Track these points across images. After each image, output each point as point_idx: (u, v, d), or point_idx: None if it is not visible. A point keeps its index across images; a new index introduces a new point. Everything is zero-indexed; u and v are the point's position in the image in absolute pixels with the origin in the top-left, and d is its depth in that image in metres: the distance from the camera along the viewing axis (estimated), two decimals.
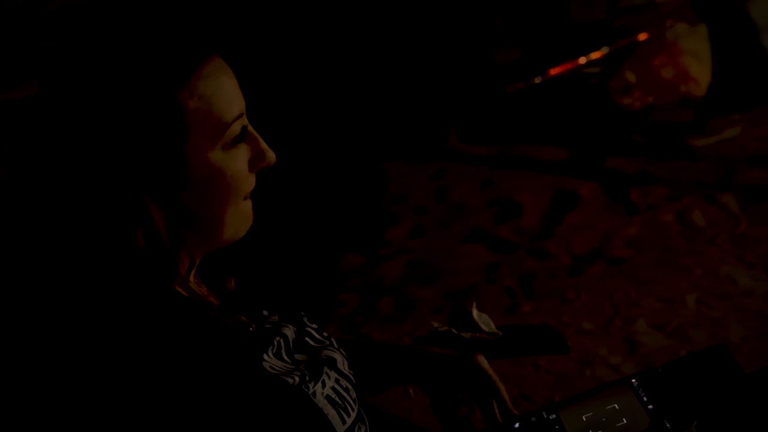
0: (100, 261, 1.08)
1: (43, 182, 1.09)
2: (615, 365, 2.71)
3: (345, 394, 1.24)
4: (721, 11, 3.70)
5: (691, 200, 3.49)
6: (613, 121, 4.15)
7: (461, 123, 4.30)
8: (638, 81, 4.24)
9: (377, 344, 1.45)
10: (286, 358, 1.23)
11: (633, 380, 1.23)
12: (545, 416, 1.23)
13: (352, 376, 1.30)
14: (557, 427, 1.20)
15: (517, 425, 1.26)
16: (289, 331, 1.29)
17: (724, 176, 3.61)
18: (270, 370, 1.18)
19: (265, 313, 1.31)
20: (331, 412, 1.19)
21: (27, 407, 1.08)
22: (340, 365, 1.29)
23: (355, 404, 1.26)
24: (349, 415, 1.22)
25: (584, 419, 1.19)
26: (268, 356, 1.20)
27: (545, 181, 3.81)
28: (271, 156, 1.17)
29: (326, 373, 1.24)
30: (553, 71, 4.43)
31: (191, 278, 1.20)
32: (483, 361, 1.38)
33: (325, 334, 1.38)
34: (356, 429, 1.25)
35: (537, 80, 4.41)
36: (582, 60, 4.43)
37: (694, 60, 4.19)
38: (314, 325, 1.37)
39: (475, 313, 1.69)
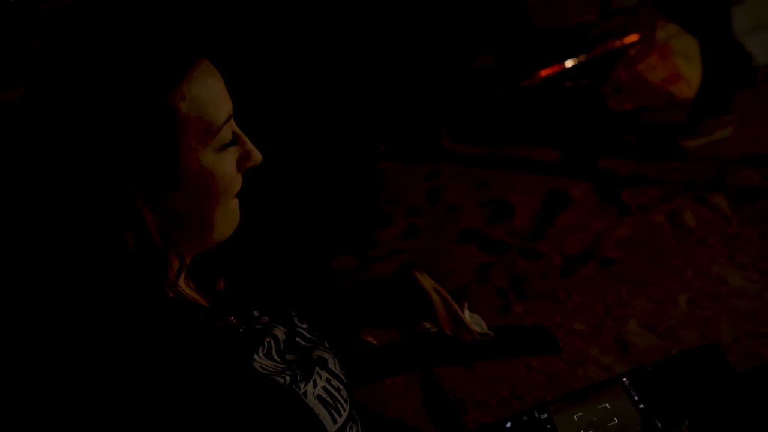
0: (88, 263, 1.08)
1: (33, 183, 1.09)
2: (607, 365, 2.71)
3: (336, 394, 1.24)
4: (704, 15, 3.71)
5: (682, 201, 3.49)
6: (605, 121, 4.16)
7: (453, 124, 4.30)
8: (630, 82, 4.25)
9: (336, 292, 1.46)
10: (276, 358, 1.23)
11: (624, 379, 1.23)
12: (537, 415, 1.23)
13: (343, 376, 1.30)
14: (549, 426, 1.21)
15: (508, 425, 1.26)
16: (280, 332, 1.29)
17: (715, 177, 3.62)
18: (261, 370, 1.18)
19: (256, 313, 1.31)
20: (322, 412, 1.19)
21: (12, 409, 1.08)
22: (331, 365, 1.29)
23: (346, 404, 1.26)
24: (340, 415, 1.22)
25: (576, 418, 1.20)
26: (259, 356, 1.20)
27: (537, 181, 3.81)
28: (258, 156, 1.18)
29: (317, 373, 1.24)
30: (545, 72, 4.44)
31: (181, 280, 1.20)
32: (419, 276, 1.37)
33: (316, 333, 1.38)
34: (348, 429, 1.25)
35: (529, 81, 4.42)
36: (574, 61, 4.43)
37: (685, 61, 4.20)
38: (305, 325, 1.37)
39: (466, 313, 1.69)
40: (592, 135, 4.03)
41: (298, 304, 1.44)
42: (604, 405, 1.19)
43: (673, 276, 3.08)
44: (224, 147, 1.14)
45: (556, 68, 4.43)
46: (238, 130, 1.17)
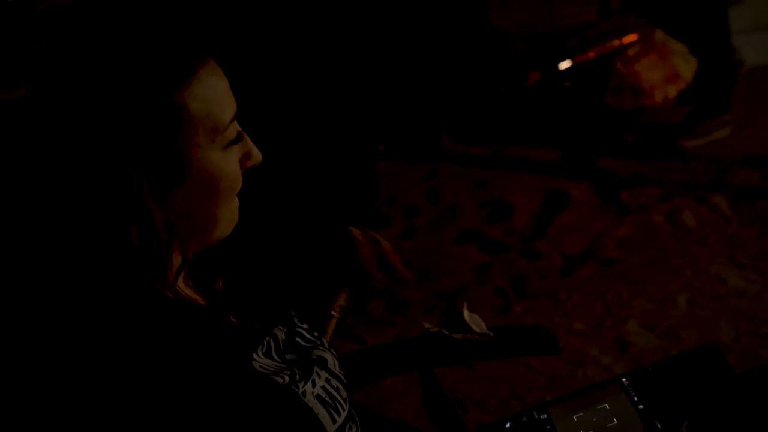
0: (92, 258, 1.08)
1: (40, 179, 1.09)
2: (606, 365, 2.72)
3: (335, 394, 1.24)
4: (700, 15, 3.72)
5: (681, 201, 3.50)
6: (604, 121, 4.16)
7: (453, 123, 4.30)
8: (629, 82, 4.25)
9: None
10: (276, 357, 1.23)
11: (623, 380, 1.23)
12: (536, 416, 1.23)
13: (342, 376, 1.30)
14: (548, 427, 1.21)
15: (508, 425, 1.26)
16: (279, 332, 1.29)
17: (715, 177, 3.62)
18: (260, 369, 1.18)
19: (256, 313, 1.31)
20: (321, 412, 1.19)
21: (10, 408, 1.08)
22: (330, 365, 1.29)
23: (345, 404, 1.26)
24: (339, 415, 1.23)
25: (575, 419, 1.20)
26: (258, 356, 1.20)
27: (537, 181, 3.81)
28: (258, 155, 1.20)
29: (316, 373, 1.24)
30: (545, 72, 4.44)
31: (180, 279, 1.20)
32: (354, 230, 1.37)
33: (315, 334, 1.38)
34: (347, 428, 1.25)
35: (529, 81, 4.42)
36: (574, 61, 4.43)
37: (684, 61, 4.20)
38: (304, 326, 1.37)
39: (466, 313, 1.70)
40: (592, 135, 4.03)
41: (297, 304, 1.44)
42: (603, 405, 1.19)
43: (672, 276, 3.08)
44: (229, 145, 1.16)
45: (555, 68, 4.43)
46: (240, 130, 1.19)
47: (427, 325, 1.71)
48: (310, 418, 1.17)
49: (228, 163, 1.15)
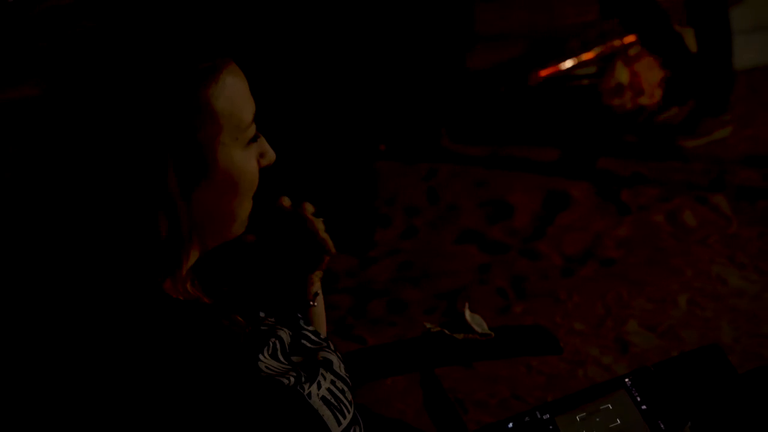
0: (111, 250, 1.10)
1: (65, 172, 1.10)
2: (607, 365, 2.71)
3: (341, 396, 1.24)
4: (704, 14, 3.71)
5: (682, 201, 3.50)
6: (605, 121, 4.16)
7: (453, 123, 4.29)
8: (629, 82, 4.24)
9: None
10: (282, 358, 1.23)
11: (626, 380, 1.23)
12: (539, 416, 1.23)
13: (348, 379, 1.30)
14: (551, 427, 1.20)
15: (510, 425, 1.26)
16: (285, 334, 1.29)
17: (715, 177, 3.62)
18: (266, 370, 1.18)
19: (262, 314, 1.32)
20: (327, 413, 1.20)
21: (17, 406, 1.08)
22: (336, 367, 1.30)
23: (351, 406, 1.26)
24: (344, 417, 1.23)
25: (578, 419, 1.20)
26: (264, 357, 1.21)
27: (537, 181, 3.81)
28: (272, 155, 1.23)
29: (322, 375, 1.24)
30: (544, 72, 4.44)
31: (188, 277, 1.21)
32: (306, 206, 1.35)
33: (321, 336, 1.38)
34: (351, 431, 1.25)
35: (529, 81, 4.42)
36: (573, 61, 4.43)
37: None
38: (311, 328, 1.38)
39: (467, 313, 1.69)
40: (592, 135, 4.03)
41: (301, 307, 1.44)
42: (606, 406, 1.19)
43: (673, 276, 3.08)
44: (249, 144, 1.19)
45: (556, 68, 4.42)
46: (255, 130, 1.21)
47: (428, 325, 1.71)
48: (315, 420, 1.18)
49: (248, 161, 1.18)
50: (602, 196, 3.62)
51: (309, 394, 1.19)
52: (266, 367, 1.19)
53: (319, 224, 1.34)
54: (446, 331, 1.69)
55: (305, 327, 1.36)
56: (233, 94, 1.15)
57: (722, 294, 2.96)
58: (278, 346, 1.25)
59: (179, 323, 1.11)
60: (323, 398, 1.21)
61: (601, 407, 1.19)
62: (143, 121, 1.08)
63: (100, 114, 1.09)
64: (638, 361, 2.73)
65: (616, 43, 4.38)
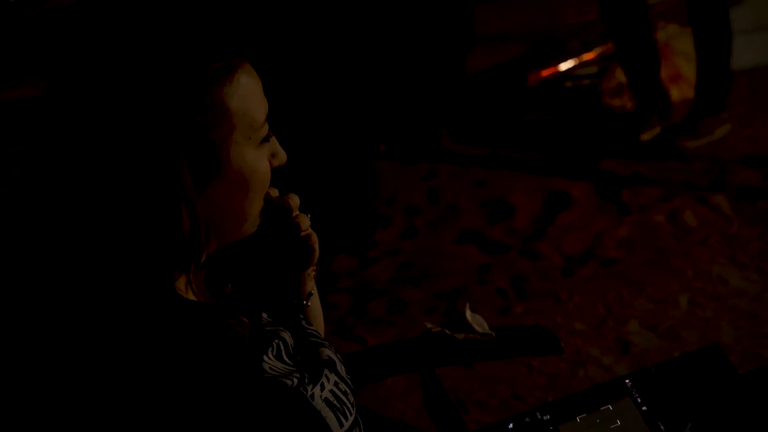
0: (130, 250, 1.10)
1: (82, 167, 1.11)
2: (607, 365, 2.71)
3: (344, 398, 1.25)
4: (705, 13, 3.71)
5: (682, 201, 3.49)
6: (605, 122, 4.15)
7: (453, 124, 4.29)
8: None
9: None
10: (286, 359, 1.24)
11: (627, 381, 1.23)
12: (539, 417, 1.23)
13: (349, 381, 1.31)
14: (551, 427, 1.20)
15: (510, 426, 1.26)
16: (287, 335, 1.29)
17: (715, 177, 3.62)
18: (270, 371, 1.18)
19: (264, 315, 1.32)
20: (329, 415, 1.20)
21: (25, 406, 1.08)
22: (338, 368, 1.30)
23: (353, 408, 1.26)
24: (346, 419, 1.23)
25: (578, 420, 1.20)
26: (269, 358, 1.21)
27: (537, 181, 3.81)
28: (283, 156, 1.24)
29: (326, 376, 1.25)
30: (545, 72, 4.44)
31: (202, 274, 1.21)
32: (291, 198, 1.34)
33: (323, 336, 1.38)
34: None
35: (529, 81, 4.42)
36: (574, 61, 4.43)
37: (686, 61, 4.19)
38: (312, 327, 1.38)
39: (468, 314, 1.70)
40: (593, 135, 4.03)
41: (296, 307, 1.44)
42: (606, 407, 1.19)
43: (673, 276, 3.08)
44: (261, 143, 1.20)
45: (556, 69, 4.42)
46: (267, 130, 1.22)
47: (429, 325, 1.71)
48: (318, 422, 1.18)
49: (260, 160, 1.20)
50: (602, 196, 3.62)
51: (312, 395, 1.19)
52: (270, 368, 1.19)
53: (304, 220, 1.33)
54: (447, 331, 1.69)
55: (308, 326, 1.37)
56: (247, 94, 1.16)
57: (723, 294, 2.96)
58: (282, 347, 1.25)
59: (187, 323, 1.12)
60: (326, 400, 1.21)
61: (602, 408, 1.19)
62: (158, 120, 1.10)
63: (114, 113, 1.10)
64: (639, 361, 2.73)
65: None
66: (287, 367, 1.22)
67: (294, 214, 1.31)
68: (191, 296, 1.16)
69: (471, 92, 4.45)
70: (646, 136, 3.83)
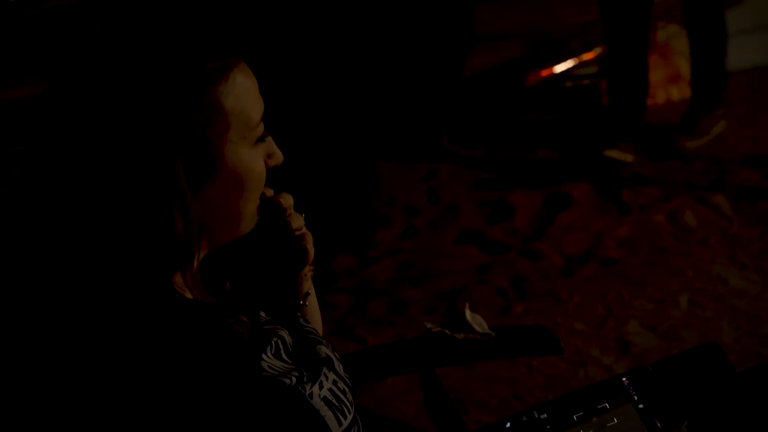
0: (126, 249, 1.11)
1: (77, 171, 1.11)
2: (608, 365, 2.72)
3: (342, 397, 1.25)
4: (700, 13, 3.71)
5: (682, 201, 3.50)
6: (606, 122, 4.15)
7: (453, 124, 4.29)
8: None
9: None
10: (285, 358, 1.24)
11: (623, 379, 1.23)
12: (536, 415, 1.23)
13: (348, 380, 1.31)
14: (548, 426, 1.20)
15: (508, 425, 1.25)
16: (285, 334, 1.29)
17: (715, 177, 3.62)
18: (268, 370, 1.19)
19: (263, 314, 1.32)
20: (328, 414, 1.20)
21: (23, 406, 1.08)
22: (336, 367, 1.30)
23: (351, 407, 1.26)
24: (345, 418, 1.23)
25: (575, 418, 1.20)
26: (267, 356, 1.21)
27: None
28: (280, 156, 1.24)
29: (324, 374, 1.25)
30: (545, 72, 4.44)
31: (198, 273, 1.21)
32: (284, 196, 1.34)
33: (321, 334, 1.39)
34: (352, 431, 1.25)
35: (529, 81, 4.42)
36: (574, 61, 4.43)
37: (686, 61, 4.19)
38: (311, 326, 1.38)
39: (468, 313, 1.70)
40: (593, 135, 4.02)
41: (293, 307, 1.44)
42: (603, 405, 1.19)
43: (673, 276, 3.09)
44: (257, 143, 1.20)
45: (556, 69, 4.42)
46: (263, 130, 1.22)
47: (428, 325, 1.71)
48: (317, 420, 1.18)
49: (256, 160, 1.19)
50: (602, 196, 3.62)
51: (311, 394, 1.20)
52: (269, 366, 1.20)
53: (297, 219, 1.33)
54: (446, 331, 1.69)
55: (306, 324, 1.37)
56: (242, 93, 1.16)
57: (723, 294, 2.96)
58: (281, 345, 1.26)
59: (185, 322, 1.12)
60: (324, 398, 1.21)
61: (598, 406, 1.19)
62: (153, 118, 1.10)
63: (108, 112, 1.10)
64: (639, 361, 2.73)
65: None
66: (286, 365, 1.22)
67: (287, 214, 1.31)
68: (189, 295, 1.16)
69: (471, 92, 4.45)
70: (613, 154, 3.72)
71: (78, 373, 1.05)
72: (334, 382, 1.26)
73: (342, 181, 4.03)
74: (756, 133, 3.92)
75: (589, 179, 3.72)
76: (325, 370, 1.26)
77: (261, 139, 1.20)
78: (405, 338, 1.92)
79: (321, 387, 1.22)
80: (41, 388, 1.08)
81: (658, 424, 1.15)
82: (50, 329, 1.10)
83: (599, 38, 4.37)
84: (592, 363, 2.73)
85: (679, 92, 4.21)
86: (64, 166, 1.12)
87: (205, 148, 1.13)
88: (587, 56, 4.42)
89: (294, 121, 4.01)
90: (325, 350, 1.32)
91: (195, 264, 1.18)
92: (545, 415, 1.22)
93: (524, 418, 1.24)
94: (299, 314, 1.40)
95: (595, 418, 1.19)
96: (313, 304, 1.46)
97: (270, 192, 1.28)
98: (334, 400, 1.23)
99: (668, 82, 4.29)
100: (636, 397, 1.20)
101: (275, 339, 1.26)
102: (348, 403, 1.26)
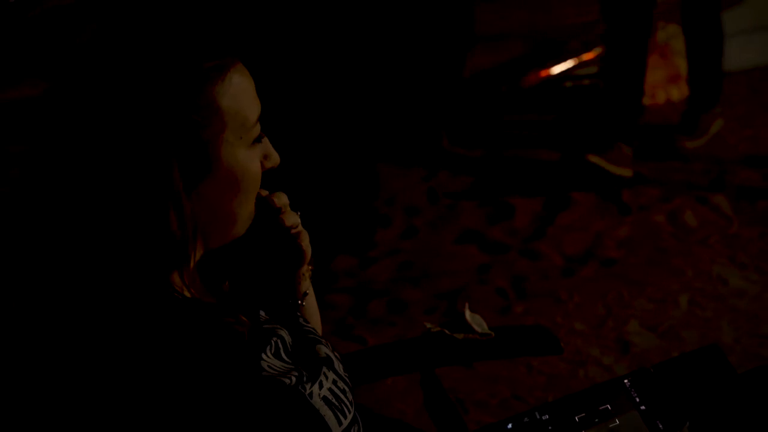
0: (123, 248, 1.10)
1: (74, 170, 1.11)
2: (608, 365, 2.72)
3: (342, 396, 1.25)
4: (697, 15, 3.71)
5: (682, 201, 3.50)
6: (596, 125, 4.15)
7: (453, 125, 4.29)
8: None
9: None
10: (285, 357, 1.24)
11: (625, 381, 1.23)
12: (538, 417, 1.23)
13: (348, 379, 1.31)
14: (550, 427, 1.20)
15: (509, 426, 1.26)
16: (285, 333, 1.29)
17: (715, 177, 3.62)
18: (268, 369, 1.19)
19: (262, 313, 1.32)
20: (328, 414, 1.20)
21: (22, 406, 1.08)
22: (336, 366, 1.30)
23: (351, 406, 1.26)
24: (345, 417, 1.23)
25: (577, 420, 1.20)
26: (267, 356, 1.21)
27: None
28: (276, 158, 1.24)
29: (324, 374, 1.25)
30: (544, 73, 4.44)
31: (196, 273, 1.21)
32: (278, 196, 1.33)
33: (320, 334, 1.38)
34: (352, 431, 1.25)
35: (529, 82, 4.42)
36: (574, 61, 4.43)
37: (685, 61, 4.20)
38: (310, 325, 1.38)
39: (467, 314, 1.70)
40: (593, 135, 4.02)
41: (291, 306, 1.44)
42: (605, 406, 1.19)
43: (673, 276, 3.09)
44: (254, 144, 1.20)
45: (556, 69, 4.42)
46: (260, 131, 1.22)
47: (428, 325, 1.71)
48: (316, 420, 1.18)
49: (252, 160, 1.19)
50: (602, 196, 3.62)
51: (311, 394, 1.20)
52: (269, 366, 1.20)
53: (291, 217, 1.33)
54: (446, 331, 1.69)
55: (305, 324, 1.37)
56: (239, 93, 1.16)
57: (723, 294, 2.96)
58: (280, 345, 1.26)
59: (184, 321, 1.12)
60: (324, 398, 1.21)
61: (600, 408, 1.19)
62: (149, 117, 1.10)
63: (104, 111, 1.10)
64: (639, 361, 2.73)
65: None
66: (286, 365, 1.22)
67: (281, 213, 1.31)
68: (188, 293, 1.16)
69: (471, 92, 4.45)
70: (596, 159, 3.65)
71: (77, 372, 1.05)
72: (334, 382, 1.26)
73: (342, 181, 4.03)
74: (756, 133, 3.92)
75: (589, 187, 3.68)
76: (324, 369, 1.26)
77: (257, 140, 1.20)
78: (405, 338, 1.92)
79: (321, 387, 1.22)
80: (40, 388, 1.08)
81: (660, 426, 1.15)
82: (49, 328, 1.10)
83: (599, 38, 4.37)
84: (592, 363, 2.73)
85: (679, 92, 4.21)
86: (62, 166, 1.12)
87: (201, 148, 1.13)
88: (587, 56, 4.42)
89: (294, 121, 4.01)
90: (324, 350, 1.32)
91: (192, 263, 1.18)
92: (547, 416, 1.22)
93: (526, 419, 1.24)
94: (298, 314, 1.40)
95: (596, 420, 1.19)
96: (311, 303, 1.46)
97: (264, 192, 1.28)
98: (334, 400, 1.23)
99: (668, 82, 4.29)
100: (638, 399, 1.20)
101: (275, 339, 1.26)
102: (348, 403, 1.26)
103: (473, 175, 3.92)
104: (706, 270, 3.09)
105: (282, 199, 1.31)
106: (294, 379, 1.19)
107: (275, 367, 1.20)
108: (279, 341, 1.26)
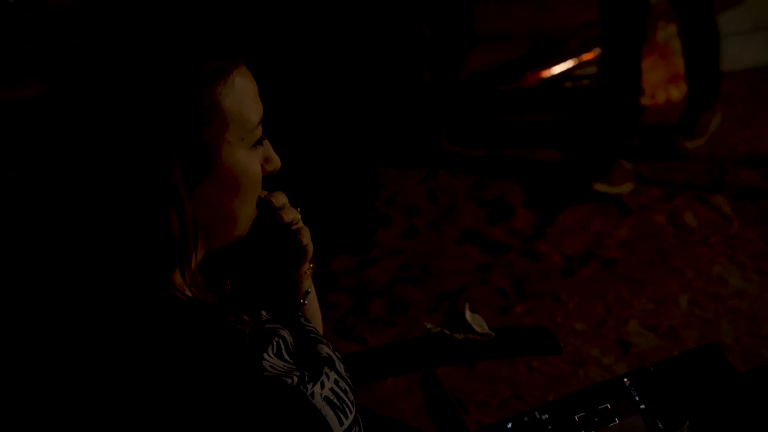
0: (125, 248, 1.10)
1: (76, 170, 1.11)
2: (607, 366, 2.72)
3: (344, 396, 1.25)
4: (690, 13, 3.71)
5: (683, 201, 3.50)
6: (594, 147, 4.14)
7: (453, 125, 4.29)
8: None
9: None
10: (286, 357, 1.24)
11: (625, 380, 1.23)
12: (538, 416, 1.23)
13: (349, 379, 1.31)
14: (550, 427, 1.21)
15: (509, 425, 1.26)
16: (286, 333, 1.29)
17: (715, 177, 3.62)
18: (270, 369, 1.19)
19: (264, 313, 1.32)
20: (329, 414, 1.20)
21: (23, 406, 1.08)
22: (338, 366, 1.30)
23: (353, 407, 1.26)
24: (347, 417, 1.23)
25: (577, 419, 1.20)
26: (269, 356, 1.21)
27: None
28: (277, 161, 1.24)
29: (326, 374, 1.25)
30: (545, 73, 4.44)
31: (197, 273, 1.21)
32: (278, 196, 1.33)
33: (321, 334, 1.39)
34: (353, 431, 1.25)
35: (530, 82, 4.42)
36: (573, 61, 4.43)
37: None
38: (311, 325, 1.38)
39: (468, 314, 1.70)
40: (593, 135, 4.02)
41: (293, 306, 1.44)
42: (605, 406, 1.19)
43: (673, 276, 3.09)
44: (255, 146, 1.20)
45: (556, 69, 4.42)
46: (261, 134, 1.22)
47: (428, 326, 1.72)
48: (318, 420, 1.18)
49: (252, 162, 1.19)
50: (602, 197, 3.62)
51: (312, 393, 1.20)
52: (271, 366, 1.20)
53: (290, 213, 1.33)
54: (447, 331, 1.69)
55: (306, 323, 1.37)
56: (241, 94, 1.16)
57: (723, 294, 2.96)
58: (282, 345, 1.26)
59: (185, 321, 1.12)
60: (326, 398, 1.21)
61: (600, 407, 1.19)
62: (150, 116, 1.10)
63: (105, 111, 1.10)
64: (639, 361, 2.73)
65: None
66: (287, 365, 1.22)
67: (279, 210, 1.31)
68: (189, 293, 1.16)
69: (471, 92, 4.45)
70: (602, 188, 3.58)
71: (78, 372, 1.05)
72: (336, 382, 1.26)
73: (343, 181, 4.03)
74: (756, 133, 3.92)
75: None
76: (326, 369, 1.26)
77: (259, 143, 1.21)
78: (405, 338, 1.92)
79: (322, 387, 1.22)
80: (41, 388, 1.08)
81: (660, 425, 1.16)
82: (50, 328, 1.10)
83: (597, 38, 4.37)
84: (592, 363, 2.73)
85: (679, 92, 4.21)
86: (63, 166, 1.12)
87: (202, 148, 1.13)
88: (587, 56, 4.42)
89: (295, 121, 4.01)
90: (326, 350, 1.32)
91: (193, 263, 1.18)
92: (547, 416, 1.22)
93: (526, 419, 1.24)
94: (300, 313, 1.40)
95: (596, 419, 1.19)
96: (313, 303, 1.46)
97: (263, 193, 1.28)
98: (335, 400, 1.23)
99: (668, 82, 4.29)
100: (637, 398, 1.20)
101: (276, 338, 1.26)
102: (349, 403, 1.26)
103: (473, 175, 3.92)
104: (706, 270, 3.09)
105: (280, 199, 1.31)
106: (296, 379, 1.19)
107: (277, 367, 1.20)
108: (281, 341, 1.26)
